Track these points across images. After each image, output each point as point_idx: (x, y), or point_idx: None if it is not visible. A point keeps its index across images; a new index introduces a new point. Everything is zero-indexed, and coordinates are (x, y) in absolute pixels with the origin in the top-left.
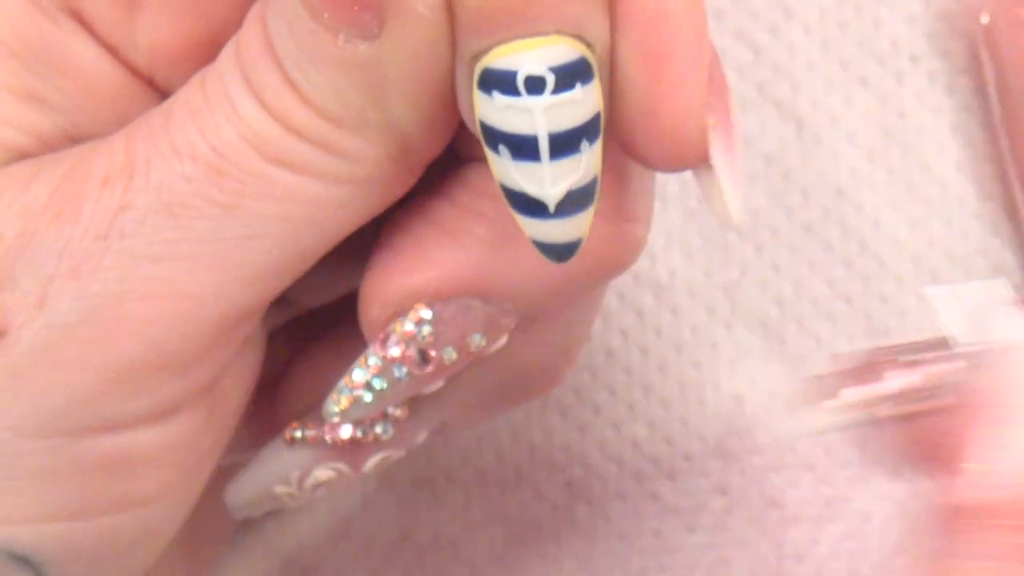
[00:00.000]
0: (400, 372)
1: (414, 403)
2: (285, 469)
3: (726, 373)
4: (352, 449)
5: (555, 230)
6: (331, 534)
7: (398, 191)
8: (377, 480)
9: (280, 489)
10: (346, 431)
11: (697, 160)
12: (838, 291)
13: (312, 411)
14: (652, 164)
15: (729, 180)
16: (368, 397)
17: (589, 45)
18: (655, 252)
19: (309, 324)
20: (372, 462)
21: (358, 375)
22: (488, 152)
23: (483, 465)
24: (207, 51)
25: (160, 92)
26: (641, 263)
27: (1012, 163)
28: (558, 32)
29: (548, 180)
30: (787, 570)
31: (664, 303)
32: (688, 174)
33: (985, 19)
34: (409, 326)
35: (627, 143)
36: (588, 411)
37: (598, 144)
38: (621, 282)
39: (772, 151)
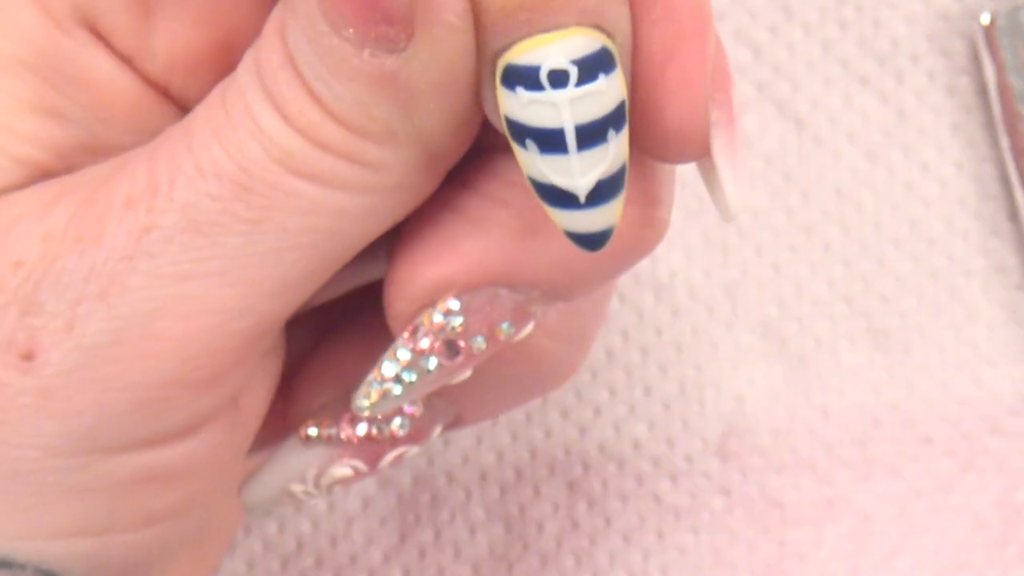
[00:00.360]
0: (431, 364)
1: (429, 398)
2: (301, 468)
3: (726, 373)
4: (368, 446)
5: (587, 220)
6: (331, 534)
7: (423, 195)
8: (377, 480)
9: (296, 487)
10: (361, 428)
11: (699, 154)
12: (838, 291)
13: (327, 409)
14: (655, 156)
15: (730, 173)
16: (398, 390)
17: (609, 34)
18: (655, 252)
19: (320, 320)
20: (388, 458)
21: (388, 368)
22: (515, 147)
23: (483, 465)
24: (224, 58)
25: (176, 102)
26: (642, 263)
27: (1012, 163)
28: (578, 24)
29: (577, 171)
30: (789, 570)
31: (664, 303)
32: (690, 173)
33: (985, 19)
34: (438, 318)
35: (631, 135)
36: (589, 411)
37: (624, 132)
38: (622, 282)
39: (772, 151)
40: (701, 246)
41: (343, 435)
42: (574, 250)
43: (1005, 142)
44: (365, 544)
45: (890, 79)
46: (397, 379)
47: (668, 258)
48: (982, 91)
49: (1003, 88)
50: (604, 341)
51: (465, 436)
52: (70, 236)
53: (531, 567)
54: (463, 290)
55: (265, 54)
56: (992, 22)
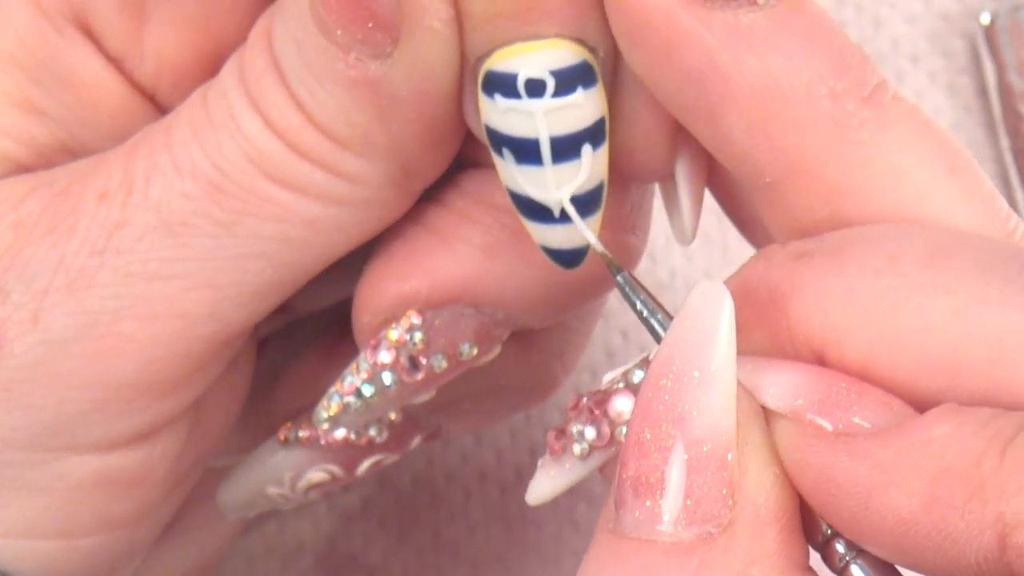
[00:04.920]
0: (389, 379)
1: (408, 407)
2: (278, 470)
3: None
4: (345, 451)
5: (562, 236)
6: (331, 534)
7: (395, 214)
8: (377, 480)
9: (272, 490)
10: (339, 432)
11: (661, 172)
12: None
13: (307, 412)
14: (619, 170)
15: (688, 196)
16: (357, 404)
17: (592, 49)
18: (655, 252)
19: (306, 327)
20: (365, 465)
21: (349, 381)
22: (494, 157)
23: (483, 465)
24: (213, 69)
25: (161, 109)
26: (642, 263)
27: (1012, 163)
28: (559, 35)
29: (552, 184)
30: None
31: (665, 303)
32: None
33: (985, 19)
34: (400, 333)
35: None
36: None
37: (603, 149)
38: None
39: None
40: (701, 246)
41: (322, 439)
42: (540, 272)
43: (1005, 142)
44: (365, 544)
45: (890, 79)
46: (357, 393)
47: (668, 258)
48: (982, 91)
49: (1003, 88)
50: (604, 341)
51: (464, 436)
52: (42, 226)
53: (531, 567)
54: (427, 306)
55: (250, 58)
56: (992, 22)
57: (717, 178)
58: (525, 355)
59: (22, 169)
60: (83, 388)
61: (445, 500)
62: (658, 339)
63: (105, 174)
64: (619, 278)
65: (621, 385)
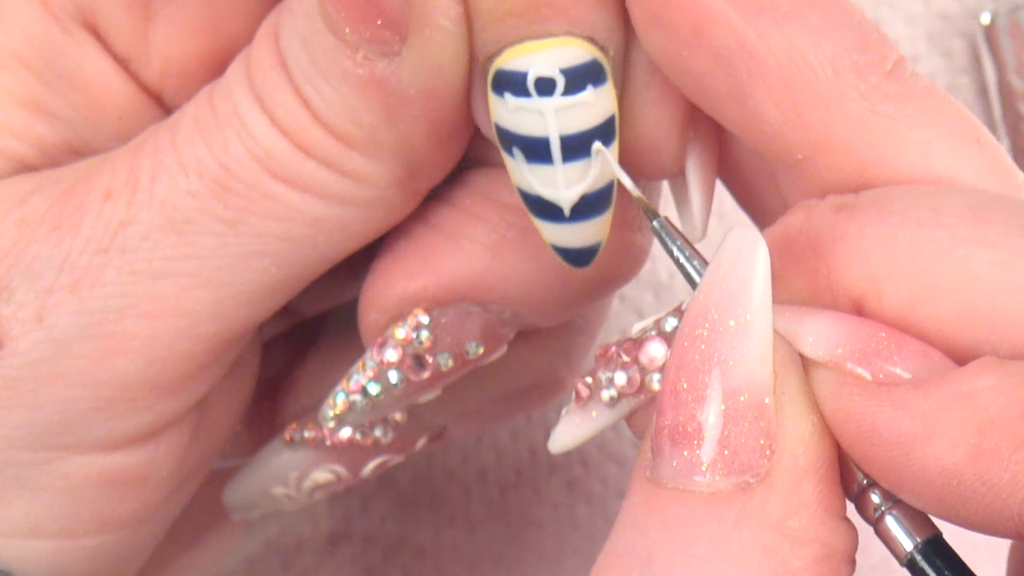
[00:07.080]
0: (396, 378)
1: (413, 407)
2: (284, 470)
3: None
4: (351, 452)
5: (573, 234)
6: (331, 534)
7: (400, 215)
8: (377, 480)
9: (278, 490)
10: (345, 432)
11: (671, 169)
12: None
13: (312, 413)
14: (629, 168)
15: (699, 192)
16: (363, 403)
17: (602, 48)
18: (655, 253)
19: (312, 329)
20: (370, 466)
21: (355, 380)
22: (504, 156)
23: (483, 465)
24: (218, 68)
25: (167, 109)
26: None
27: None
28: (569, 33)
29: (562, 183)
30: None
31: (664, 303)
32: None
33: (985, 19)
34: (407, 331)
35: None
36: None
37: (613, 147)
38: None
39: None
40: (701, 246)
41: (327, 440)
42: (546, 271)
43: (1005, 142)
44: (364, 544)
45: None
46: (363, 391)
47: (668, 258)
48: (982, 91)
49: (1003, 88)
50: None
51: (465, 436)
52: (47, 224)
53: (531, 567)
54: (434, 305)
55: (257, 56)
56: (992, 22)
57: (729, 168)
58: (531, 355)
59: (28, 168)
60: (87, 387)
61: (445, 500)
62: (694, 286)
63: (110, 173)
64: (655, 223)
65: (653, 333)
